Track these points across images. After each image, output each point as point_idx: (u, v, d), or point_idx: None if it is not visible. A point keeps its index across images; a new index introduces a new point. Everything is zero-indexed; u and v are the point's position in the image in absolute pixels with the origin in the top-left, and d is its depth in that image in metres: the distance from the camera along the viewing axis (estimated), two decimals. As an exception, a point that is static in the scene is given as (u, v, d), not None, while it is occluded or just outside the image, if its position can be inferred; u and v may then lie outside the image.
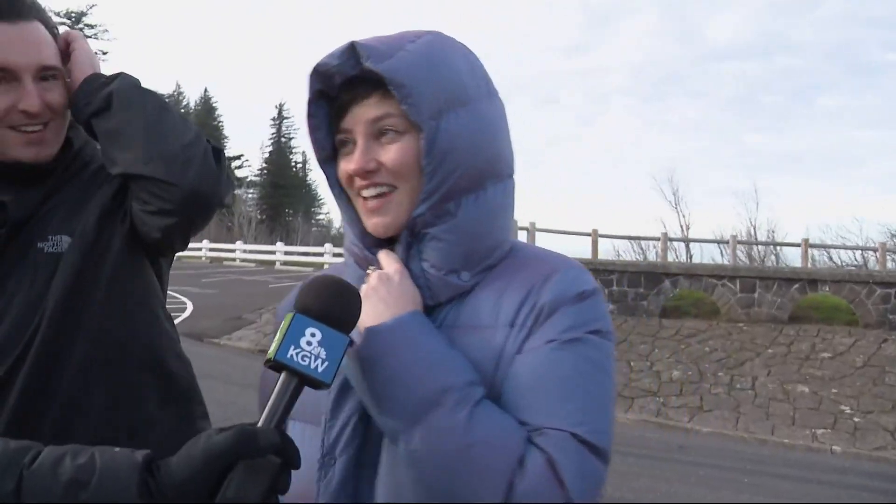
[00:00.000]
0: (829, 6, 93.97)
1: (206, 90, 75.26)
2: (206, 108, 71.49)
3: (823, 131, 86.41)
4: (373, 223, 1.19)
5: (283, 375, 0.98)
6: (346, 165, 1.18)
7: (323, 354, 0.98)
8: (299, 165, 75.58)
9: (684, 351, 12.75)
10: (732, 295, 14.42)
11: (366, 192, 1.18)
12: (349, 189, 1.21)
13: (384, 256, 1.20)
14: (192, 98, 74.98)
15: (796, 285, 14.23)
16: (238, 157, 71.17)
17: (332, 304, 1.02)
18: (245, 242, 37.59)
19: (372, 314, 1.13)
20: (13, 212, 1.52)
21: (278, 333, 0.99)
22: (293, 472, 1.16)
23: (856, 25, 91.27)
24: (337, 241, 40.57)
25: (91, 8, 52.54)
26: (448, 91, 1.14)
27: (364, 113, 1.16)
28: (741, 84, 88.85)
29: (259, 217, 59.57)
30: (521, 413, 1.05)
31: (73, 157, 1.65)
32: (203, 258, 33.28)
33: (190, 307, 17.06)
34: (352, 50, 1.15)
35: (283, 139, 74.34)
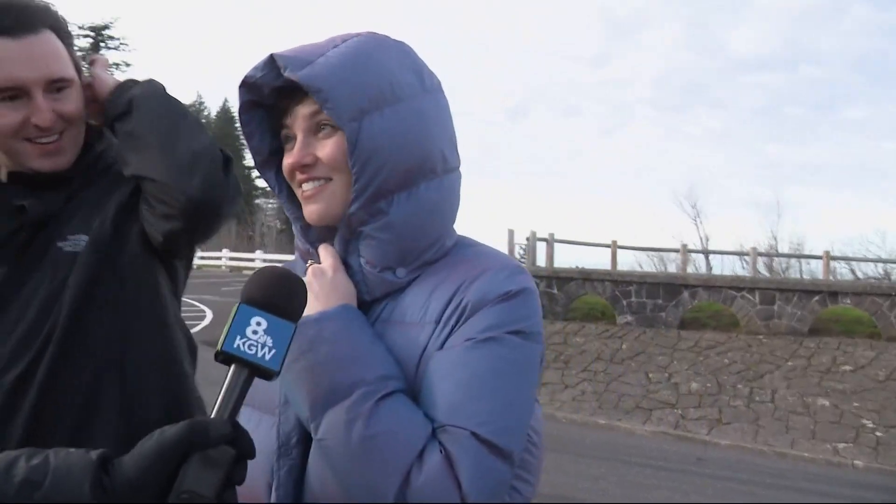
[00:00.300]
0: (854, 16, 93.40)
1: (225, 100, 75.66)
2: (226, 117, 72.02)
3: (847, 143, 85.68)
4: (308, 211, 1.23)
5: (232, 367, 0.98)
6: (287, 159, 1.22)
7: (269, 342, 0.99)
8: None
9: (703, 363, 12.67)
10: (752, 307, 14.32)
11: (305, 186, 1.22)
12: (292, 183, 1.25)
13: (323, 250, 1.24)
14: (212, 108, 75.75)
15: (817, 297, 14.11)
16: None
17: (277, 293, 1.03)
18: (265, 252, 37.77)
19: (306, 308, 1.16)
20: (32, 213, 1.55)
21: (225, 325, 0.99)
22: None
23: (881, 36, 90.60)
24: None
25: (114, 21, 53.19)
26: (371, 91, 1.15)
27: (301, 109, 1.20)
28: (765, 95, 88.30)
29: (279, 227, 59.80)
30: (430, 409, 1.07)
31: (93, 161, 1.68)
32: (223, 267, 33.45)
33: (209, 315, 17.14)
34: (272, 62, 1.20)
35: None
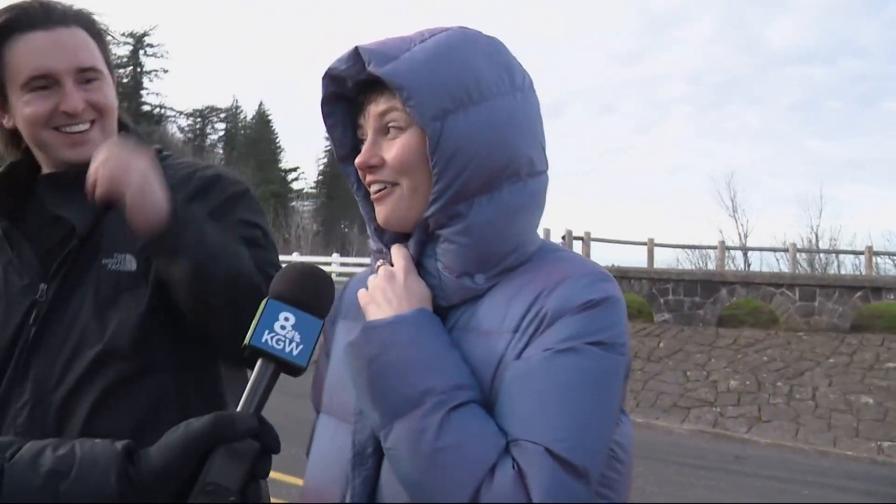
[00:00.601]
0: (894, 8, 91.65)
1: (261, 104, 76.48)
2: (262, 121, 72.72)
3: (890, 136, 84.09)
4: (378, 213, 1.21)
5: (259, 362, 0.99)
6: (357, 158, 1.20)
7: (297, 338, 0.99)
8: (354, 177, 76.12)
9: (741, 360, 12.50)
10: (791, 303, 14.10)
11: (373, 187, 1.20)
12: (365, 182, 1.23)
13: (395, 251, 1.20)
14: (248, 112, 76.51)
15: (859, 293, 13.85)
16: (294, 170, 72.14)
17: (305, 289, 1.03)
18: (301, 254, 38.07)
19: (375, 311, 1.15)
20: (81, 228, 1.52)
21: (254, 320, 1.00)
22: (322, 465, 1.18)
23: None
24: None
25: (152, 28, 53.97)
26: (456, 90, 1.11)
27: (373, 108, 1.17)
28: (804, 89, 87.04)
29: (315, 229, 60.31)
30: (505, 422, 1.03)
31: None
32: (260, 269, 33.65)
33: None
34: (357, 55, 1.16)
35: (338, 151, 74.93)
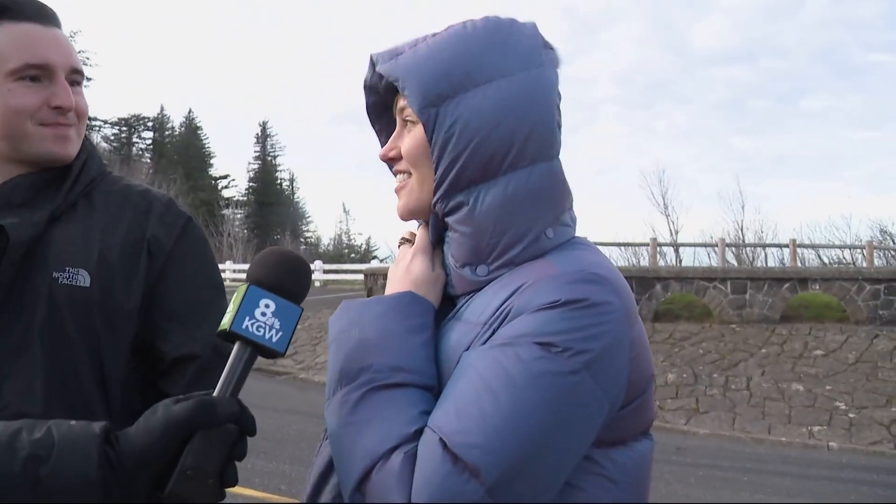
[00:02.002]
0: (811, 9, 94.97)
1: (189, 111, 75.26)
2: (191, 128, 71.31)
3: (810, 133, 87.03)
4: (397, 205, 1.22)
5: (237, 345, 1.01)
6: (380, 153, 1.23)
7: (277, 325, 1.01)
8: (286, 183, 75.58)
9: (678, 354, 12.80)
10: (724, 297, 14.50)
11: (397, 179, 1.21)
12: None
13: (419, 233, 1.22)
14: (176, 119, 75.09)
15: (787, 285, 14.33)
16: (224, 177, 71.04)
17: (284, 276, 1.05)
18: (234, 262, 37.48)
19: (386, 292, 1.17)
20: (18, 237, 1.43)
21: (232, 305, 1.02)
22: None
23: (839, 27, 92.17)
24: (327, 258, 40.41)
25: (75, 34, 52.42)
26: (451, 75, 1.09)
27: (397, 105, 1.19)
28: (728, 88, 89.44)
29: (247, 236, 59.43)
30: (434, 409, 1.00)
31: (79, 172, 1.59)
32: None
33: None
34: (372, 62, 1.19)
35: (268, 157, 74.26)
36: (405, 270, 1.16)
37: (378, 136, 1.28)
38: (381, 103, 1.25)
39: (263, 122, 75.49)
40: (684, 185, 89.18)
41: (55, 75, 1.52)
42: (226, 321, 1.01)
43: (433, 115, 1.09)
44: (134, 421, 1.17)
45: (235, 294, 1.04)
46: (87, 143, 1.65)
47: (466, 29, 1.14)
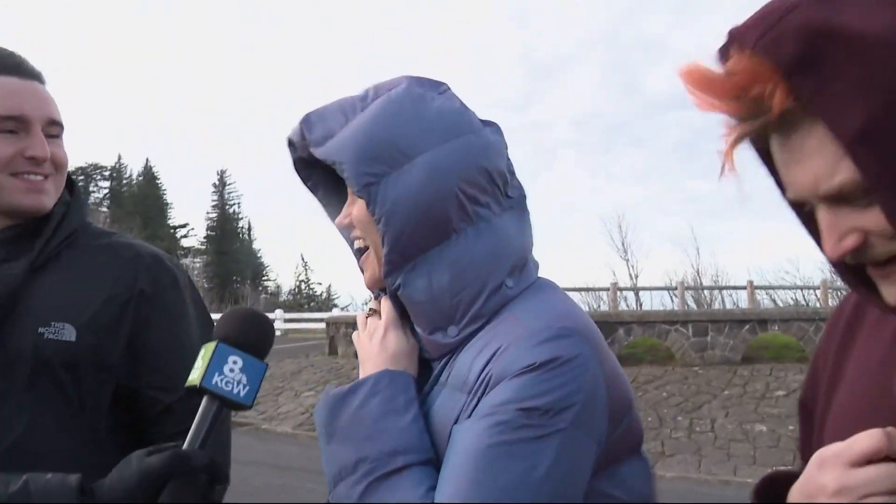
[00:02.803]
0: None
1: (147, 160, 74.51)
2: (149, 177, 70.86)
3: (760, 174, 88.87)
4: (364, 275, 1.23)
5: (205, 400, 1.08)
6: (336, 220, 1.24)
7: (244, 380, 1.09)
8: (245, 231, 75.10)
9: (642, 398, 12.83)
10: (686, 340, 14.62)
11: (356, 244, 1.23)
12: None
13: (382, 304, 1.22)
14: (134, 169, 74.38)
15: (747, 326, 14.50)
16: (183, 226, 70.54)
17: (251, 333, 1.13)
18: (193, 312, 36.79)
19: (360, 371, 1.18)
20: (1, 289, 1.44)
21: (201, 360, 1.09)
22: None
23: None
24: (287, 307, 40.03)
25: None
26: (382, 155, 1.11)
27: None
28: (682, 132, 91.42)
29: (206, 285, 58.79)
30: (437, 488, 1.03)
31: (58, 223, 1.59)
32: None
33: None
34: (302, 130, 1.20)
35: (226, 206, 73.86)
36: (380, 346, 1.16)
37: (312, 192, 1.30)
38: (310, 159, 1.25)
39: (221, 171, 75.19)
40: (643, 226, 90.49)
41: (31, 127, 1.52)
42: (195, 377, 1.08)
43: (372, 194, 1.11)
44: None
45: (204, 350, 1.10)
46: (68, 195, 1.65)
47: (391, 103, 1.15)
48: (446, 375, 1.13)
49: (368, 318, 1.22)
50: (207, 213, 73.09)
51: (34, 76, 1.57)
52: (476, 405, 1.05)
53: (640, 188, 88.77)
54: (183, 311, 1.62)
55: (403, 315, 1.19)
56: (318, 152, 1.16)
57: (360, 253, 1.22)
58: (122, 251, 1.61)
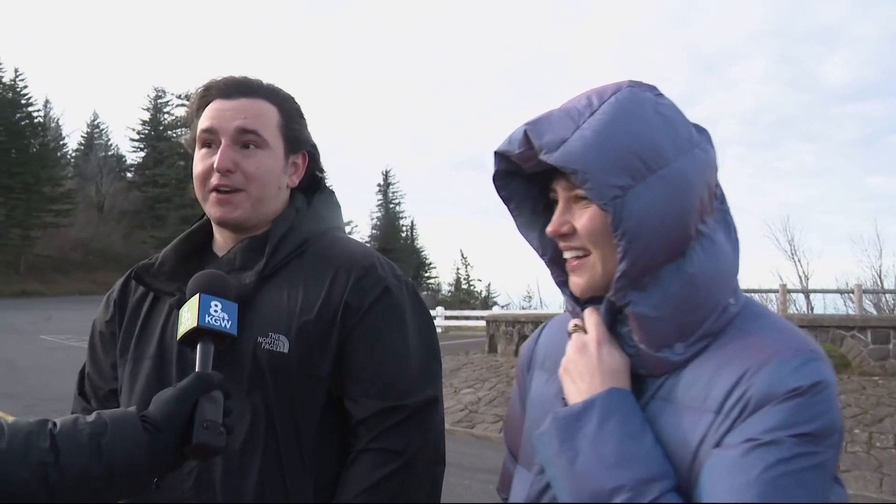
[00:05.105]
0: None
1: (316, 161, 77.13)
2: (317, 178, 73.39)
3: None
4: (572, 282, 1.20)
5: (199, 344, 1.38)
6: (549, 227, 1.20)
7: (226, 317, 1.41)
8: (407, 230, 76.72)
9: (816, 407, 12.13)
10: (864, 347, 13.70)
11: (566, 254, 1.20)
12: (561, 248, 1.22)
13: (588, 317, 1.19)
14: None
15: (936, 335, 13.42)
16: (348, 223, 72.82)
17: (215, 284, 1.44)
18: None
19: (570, 386, 1.16)
20: (232, 297, 1.51)
21: (189, 311, 1.40)
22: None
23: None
24: (447, 304, 40.50)
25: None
26: (631, 164, 1.08)
27: (562, 177, 1.16)
28: (861, 125, 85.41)
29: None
30: None
31: (283, 234, 1.64)
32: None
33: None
34: (527, 138, 1.16)
35: (390, 205, 75.70)
36: (597, 362, 1.14)
37: (505, 202, 1.28)
38: (511, 170, 1.25)
39: (386, 171, 77.15)
40: (813, 227, 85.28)
41: (219, 139, 1.61)
42: (191, 322, 1.38)
43: (619, 208, 1.08)
44: (325, 470, 1.57)
45: (190, 302, 1.40)
46: (303, 202, 1.72)
47: (624, 110, 1.11)
48: (667, 391, 1.12)
49: (574, 335, 1.20)
50: (372, 211, 75.40)
51: (244, 94, 1.64)
52: (729, 427, 1.03)
53: (811, 186, 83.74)
54: (392, 321, 1.62)
55: (610, 329, 1.18)
56: (553, 158, 1.11)
57: (564, 259, 1.20)
58: (337, 260, 1.63)
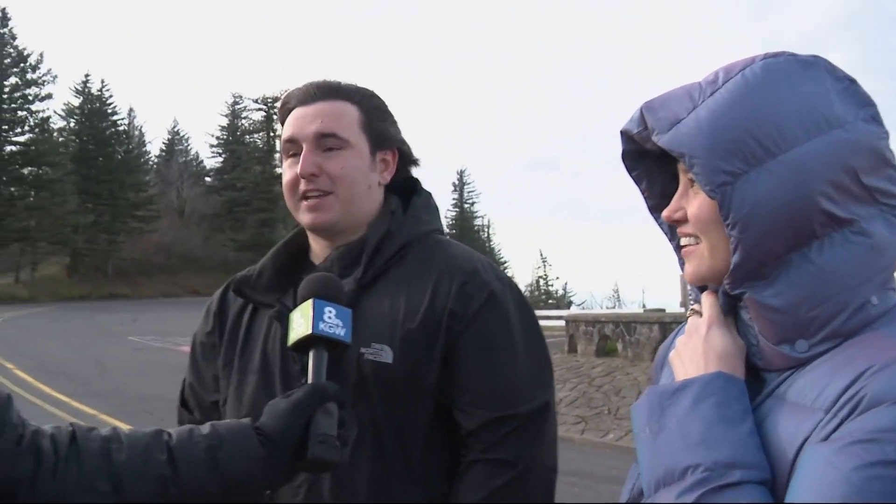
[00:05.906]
0: None
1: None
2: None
3: None
4: (685, 267, 1.15)
5: (312, 352, 1.27)
6: (664, 212, 1.15)
7: (340, 324, 1.28)
8: (483, 229, 77.04)
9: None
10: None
11: (682, 241, 1.14)
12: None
13: (705, 300, 1.13)
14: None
15: None
16: (424, 224, 73.57)
17: (330, 289, 1.32)
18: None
19: (677, 366, 1.12)
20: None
21: (302, 318, 1.28)
22: None
23: None
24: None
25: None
26: (746, 148, 1.00)
27: (680, 164, 1.11)
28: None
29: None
30: None
31: (380, 239, 1.62)
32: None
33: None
34: (644, 117, 1.11)
35: (465, 204, 76.18)
36: (704, 344, 1.08)
37: (636, 182, 1.23)
38: (639, 150, 1.19)
39: (461, 171, 77.72)
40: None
41: (300, 146, 1.59)
42: (305, 329, 1.27)
43: (727, 194, 1.00)
44: (434, 482, 1.54)
45: (303, 307, 1.29)
46: (399, 206, 1.69)
47: (748, 87, 1.03)
48: (784, 389, 1.03)
49: (690, 318, 1.15)
50: (447, 210, 76.00)
51: (324, 97, 1.62)
52: (836, 426, 0.92)
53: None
54: (499, 327, 1.58)
55: (727, 314, 1.11)
56: (663, 140, 1.06)
57: (686, 245, 1.14)
58: (440, 266, 1.60)
